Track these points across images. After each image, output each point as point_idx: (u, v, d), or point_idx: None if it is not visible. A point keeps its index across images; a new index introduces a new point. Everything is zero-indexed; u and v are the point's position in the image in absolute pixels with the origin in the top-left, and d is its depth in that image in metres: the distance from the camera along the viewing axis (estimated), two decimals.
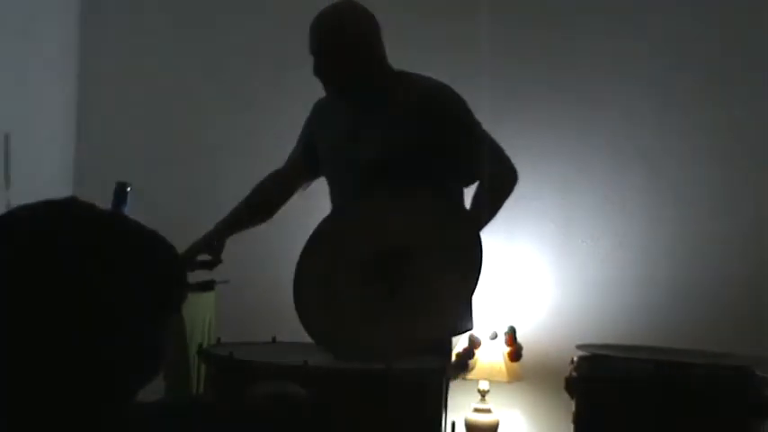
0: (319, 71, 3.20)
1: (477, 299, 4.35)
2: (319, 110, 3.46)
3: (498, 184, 3.22)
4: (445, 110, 3.19)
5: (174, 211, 4.64)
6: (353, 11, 3.22)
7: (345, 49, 3.16)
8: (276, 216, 4.49)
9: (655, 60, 4.72)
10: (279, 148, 4.92)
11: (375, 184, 3.13)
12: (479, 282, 2.87)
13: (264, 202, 3.57)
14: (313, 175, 3.52)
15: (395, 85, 3.24)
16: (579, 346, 3.33)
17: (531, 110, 4.72)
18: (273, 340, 3.10)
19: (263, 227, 4.04)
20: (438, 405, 2.79)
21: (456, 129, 3.20)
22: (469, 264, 2.87)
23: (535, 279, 4.75)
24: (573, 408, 3.26)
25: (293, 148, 3.56)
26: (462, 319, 3.18)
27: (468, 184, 3.29)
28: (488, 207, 3.19)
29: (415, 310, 2.89)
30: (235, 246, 4.77)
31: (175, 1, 5.21)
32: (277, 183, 3.57)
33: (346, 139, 3.28)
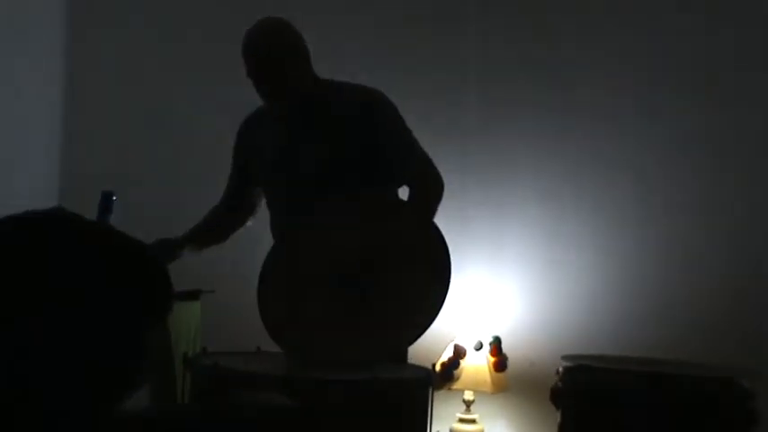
0: (261, 84, 3.22)
1: (463, 309, 4.37)
2: (245, 134, 3.48)
3: (429, 187, 3.24)
4: (384, 115, 3.23)
5: (161, 220, 4.61)
6: (282, 24, 3.27)
7: (285, 61, 3.18)
8: (262, 226, 4.48)
9: (641, 70, 4.73)
10: None
11: (322, 195, 3.13)
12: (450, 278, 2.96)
13: (217, 230, 3.66)
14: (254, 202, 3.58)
15: (328, 93, 3.26)
16: (565, 357, 3.33)
17: (517, 121, 4.73)
18: (258, 350, 3.09)
19: (248, 237, 4.03)
20: (423, 415, 2.80)
21: (392, 133, 3.24)
22: (438, 261, 2.94)
23: (521, 289, 4.75)
24: (558, 419, 3.26)
25: (226, 185, 3.61)
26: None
27: (397, 187, 3.33)
28: (423, 210, 3.19)
29: (387, 315, 2.92)
30: (219, 256, 4.77)
31: (163, 2, 5.19)
32: (220, 217, 3.64)
33: (285, 154, 3.29)
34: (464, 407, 4.55)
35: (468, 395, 4.55)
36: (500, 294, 4.73)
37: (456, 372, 4.42)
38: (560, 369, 3.28)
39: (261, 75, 3.19)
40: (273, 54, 3.18)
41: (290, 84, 3.19)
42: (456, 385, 4.46)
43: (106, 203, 3.25)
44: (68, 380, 1.43)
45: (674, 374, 3.12)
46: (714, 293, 4.55)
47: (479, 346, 4.53)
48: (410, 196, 3.26)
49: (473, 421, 4.55)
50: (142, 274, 1.51)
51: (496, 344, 4.56)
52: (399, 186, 3.32)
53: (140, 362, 1.52)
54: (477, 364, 4.52)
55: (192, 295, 4.03)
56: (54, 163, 5.03)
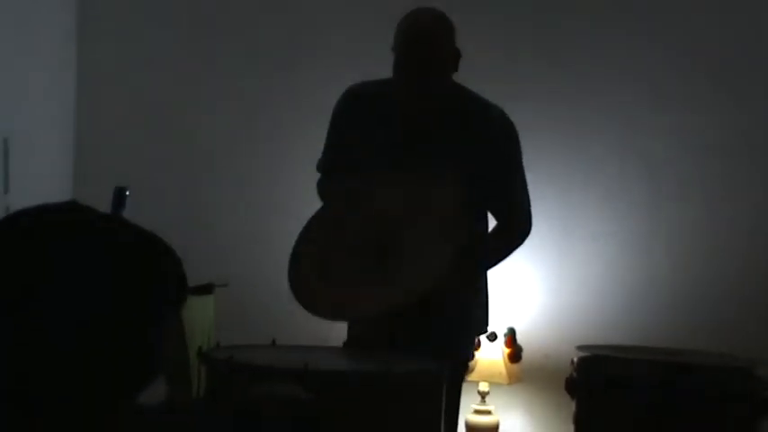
0: (416, 59, 3.06)
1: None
2: (354, 111, 3.27)
3: (511, 229, 3.25)
4: (516, 146, 3.19)
5: (173, 214, 4.63)
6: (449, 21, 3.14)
7: (445, 48, 3.09)
8: (275, 219, 4.51)
9: (654, 61, 4.72)
10: (277, 152, 4.93)
11: None
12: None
13: None
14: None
15: (467, 102, 3.18)
16: (580, 347, 3.33)
17: (531, 110, 4.71)
18: (273, 343, 3.09)
19: (261, 229, 4.04)
20: (438, 406, 2.79)
21: (515, 166, 3.21)
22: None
23: (535, 279, 4.75)
24: (573, 409, 3.25)
25: (321, 158, 3.38)
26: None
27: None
28: (495, 254, 3.26)
29: (403, 268, 2.97)
30: (233, 249, 4.79)
31: (173, 3, 5.20)
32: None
33: (401, 149, 3.17)
34: (479, 398, 4.55)
35: (484, 386, 4.55)
36: (514, 286, 4.72)
37: (471, 363, 4.43)
38: (575, 359, 3.27)
39: (421, 49, 3.05)
40: (439, 39, 3.07)
41: (438, 74, 3.08)
42: (471, 377, 4.45)
43: (119, 198, 3.25)
44: (83, 371, 1.43)
45: (690, 364, 3.11)
46: (729, 282, 4.55)
47: (494, 338, 4.52)
48: (494, 232, 3.26)
49: (488, 412, 4.55)
50: (155, 268, 1.51)
51: (511, 335, 4.56)
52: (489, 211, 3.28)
53: (155, 355, 1.52)
54: (491, 356, 4.52)
55: (206, 289, 4.04)
56: (68, 161, 5.03)
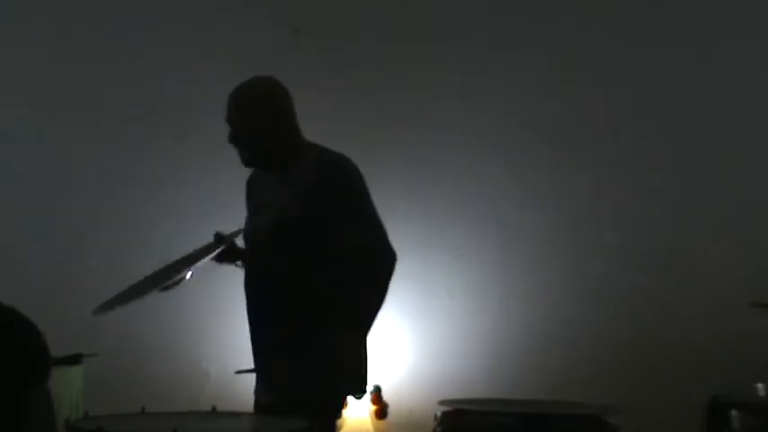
0: (233, 142, 3.21)
1: None
2: (250, 183, 3.44)
3: (371, 259, 3.23)
4: (344, 181, 3.21)
5: (40, 287, 4.53)
6: (248, 97, 3.21)
7: (254, 130, 3.17)
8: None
9: (504, 122, 4.88)
10: (141, 226, 4.86)
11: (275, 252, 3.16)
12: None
13: None
14: None
15: (302, 156, 3.24)
16: (442, 402, 3.39)
17: (387, 174, 4.80)
18: (143, 410, 3.06)
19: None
20: None
21: (345, 199, 3.20)
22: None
23: (397, 337, 4.81)
24: None
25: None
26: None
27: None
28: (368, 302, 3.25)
29: None
30: (104, 320, 4.70)
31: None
32: None
33: (261, 207, 3.29)
34: None
35: None
36: (377, 342, 4.76)
37: (338, 421, 4.44)
38: (438, 414, 3.33)
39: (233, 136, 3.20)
40: (237, 128, 3.18)
41: (260, 149, 3.19)
42: None
43: None
44: None
45: (544, 414, 3.20)
46: (580, 333, 4.70)
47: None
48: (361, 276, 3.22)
49: None
50: (15, 339, 1.50)
51: (377, 392, 4.59)
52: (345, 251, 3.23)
53: (19, 428, 1.51)
54: (358, 414, 4.54)
55: (74, 359, 3.97)
56: None
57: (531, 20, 4.94)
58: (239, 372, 3.20)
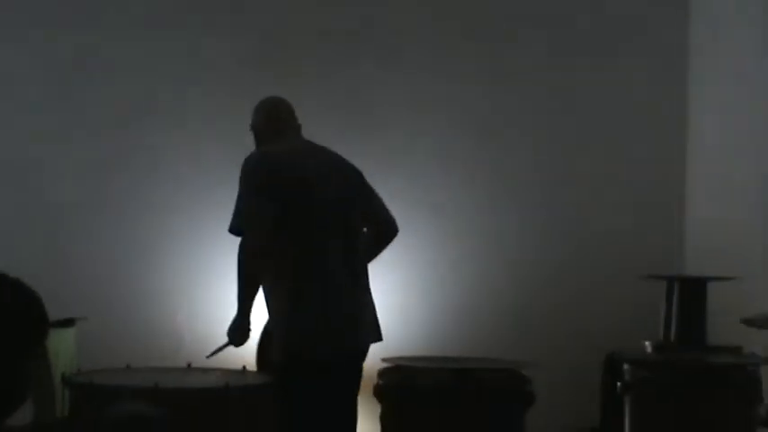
0: None
1: None
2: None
3: (385, 231, 3.30)
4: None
5: (38, 263, 4.44)
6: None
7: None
8: (129, 259, 4.41)
9: (439, 122, 4.88)
10: (133, 204, 4.79)
11: None
12: None
13: None
14: None
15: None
16: (384, 359, 3.40)
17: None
18: (128, 367, 3.04)
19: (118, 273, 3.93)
20: (270, 418, 2.81)
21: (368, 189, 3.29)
22: None
23: None
24: (379, 411, 3.32)
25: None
26: None
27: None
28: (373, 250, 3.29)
29: None
30: (93, 289, 4.65)
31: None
32: None
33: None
34: None
35: None
36: None
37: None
38: (380, 369, 3.34)
39: None
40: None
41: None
42: None
43: None
44: None
45: (470, 369, 3.23)
46: (504, 300, 4.75)
47: None
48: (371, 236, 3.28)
49: None
50: (19, 306, 1.50)
51: None
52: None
53: (22, 382, 1.50)
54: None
55: (68, 323, 3.94)
56: None
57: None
58: (210, 355, 3.13)
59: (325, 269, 3.06)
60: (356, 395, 3.11)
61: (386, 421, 3.26)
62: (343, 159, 3.30)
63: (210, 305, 4.08)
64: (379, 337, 3.14)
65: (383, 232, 3.27)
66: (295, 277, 3.05)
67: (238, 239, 3.05)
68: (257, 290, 3.08)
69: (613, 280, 4.74)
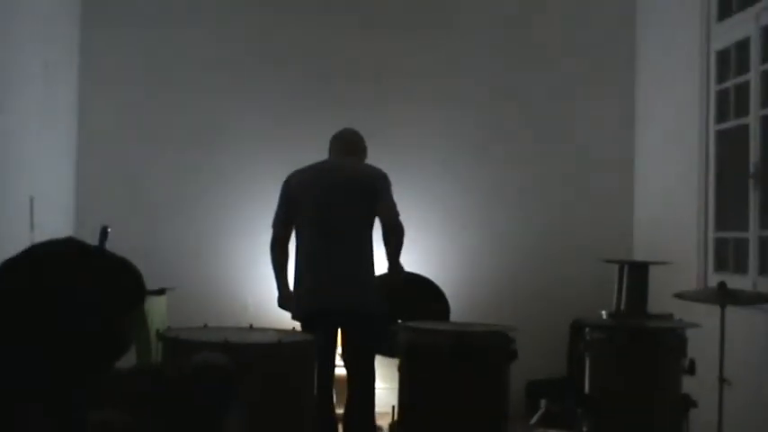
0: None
1: None
2: None
3: (395, 229, 3.32)
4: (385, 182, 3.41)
5: (140, 245, 4.49)
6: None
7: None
8: (207, 244, 4.41)
9: (445, 140, 4.88)
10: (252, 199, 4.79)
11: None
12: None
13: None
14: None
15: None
16: (400, 322, 3.38)
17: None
18: (205, 326, 3.09)
19: (202, 250, 3.88)
20: (312, 365, 2.83)
21: (385, 192, 3.37)
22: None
23: None
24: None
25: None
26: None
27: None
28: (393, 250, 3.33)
29: None
30: (181, 264, 4.70)
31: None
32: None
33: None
34: None
35: None
36: None
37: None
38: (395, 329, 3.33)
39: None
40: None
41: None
42: None
43: (103, 234, 3.20)
44: (78, 348, 1.46)
45: (463, 332, 3.19)
46: (498, 277, 4.73)
47: None
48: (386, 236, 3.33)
49: None
50: (125, 278, 1.55)
51: None
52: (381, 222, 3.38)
53: (127, 336, 1.55)
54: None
55: (160, 291, 4.01)
56: (70, 209, 4.81)
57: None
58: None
59: (318, 257, 3.27)
60: (335, 338, 3.33)
61: (402, 370, 3.27)
62: (365, 170, 3.41)
63: (266, 281, 4.11)
64: (364, 308, 3.27)
65: (385, 233, 3.32)
66: (297, 263, 3.34)
67: None
68: (283, 270, 3.37)
69: (579, 263, 4.76)
